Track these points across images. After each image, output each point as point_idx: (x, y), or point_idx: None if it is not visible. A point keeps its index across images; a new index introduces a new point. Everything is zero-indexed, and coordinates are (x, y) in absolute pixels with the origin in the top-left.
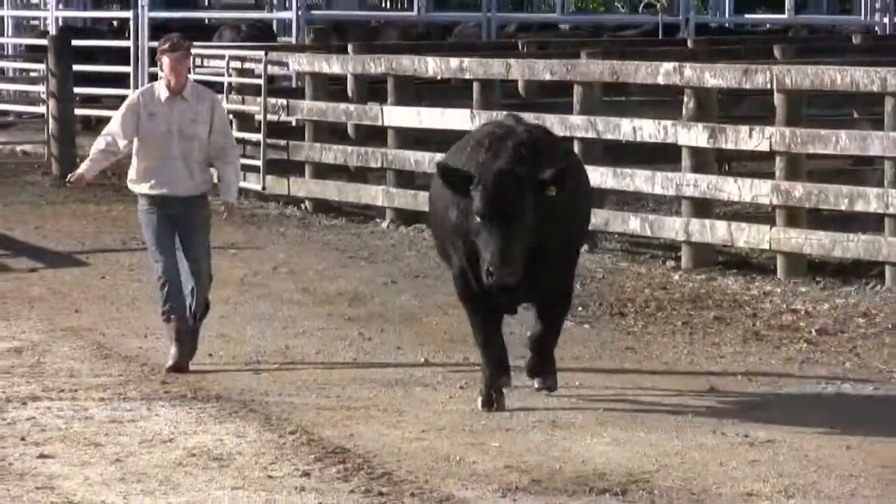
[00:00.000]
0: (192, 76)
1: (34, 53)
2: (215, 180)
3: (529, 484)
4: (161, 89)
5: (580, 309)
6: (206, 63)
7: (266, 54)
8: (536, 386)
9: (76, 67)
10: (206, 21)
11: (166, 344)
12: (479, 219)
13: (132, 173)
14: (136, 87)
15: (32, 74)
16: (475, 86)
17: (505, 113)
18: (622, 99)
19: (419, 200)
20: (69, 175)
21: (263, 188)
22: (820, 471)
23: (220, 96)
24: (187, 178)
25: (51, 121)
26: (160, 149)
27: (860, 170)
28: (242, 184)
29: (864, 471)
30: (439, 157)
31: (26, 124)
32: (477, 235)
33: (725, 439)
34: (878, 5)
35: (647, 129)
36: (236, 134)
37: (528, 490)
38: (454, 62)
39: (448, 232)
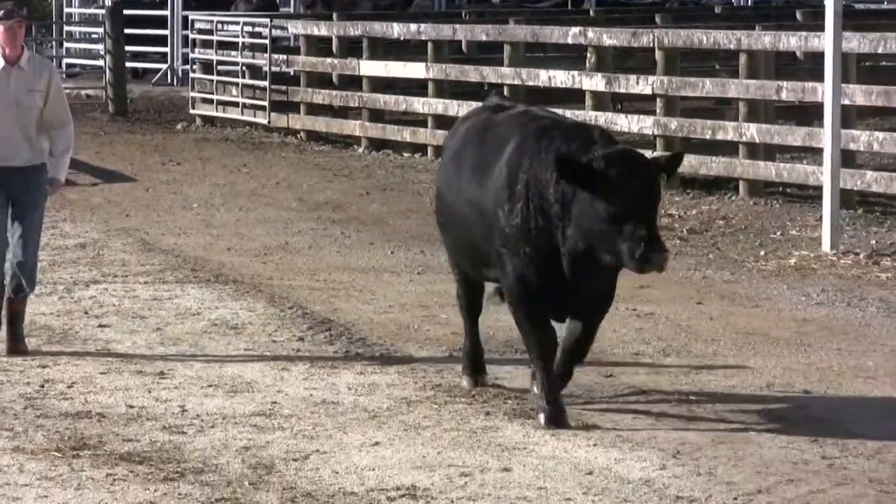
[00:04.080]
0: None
1: (95, 20)
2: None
3: None
4: None
5: None
6: (225, 27)
7: (271, 21)
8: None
9: (127, 31)
10: None
11: (194, 243)
12: (613, 207)
13: None
14: (172, 47)
15: (94, 36)
16: (429, 45)
17: (484, 105)
18: (540, 55)
19: (387, 132)
20: None
21: (269, 122)
22: (690, 336)
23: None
24: (26, 149)
25: (107, 71)
26: None
27: (720, 108)
28: (252, 118)
29: (724, 336)
30: (402, 98)
31: (89, 74)
32: (607, 225)
33: (618, 312)
34: None
35: (560, 78)
36: (248, 82)
37: None
38: (413, 27)
39: (504, 235)
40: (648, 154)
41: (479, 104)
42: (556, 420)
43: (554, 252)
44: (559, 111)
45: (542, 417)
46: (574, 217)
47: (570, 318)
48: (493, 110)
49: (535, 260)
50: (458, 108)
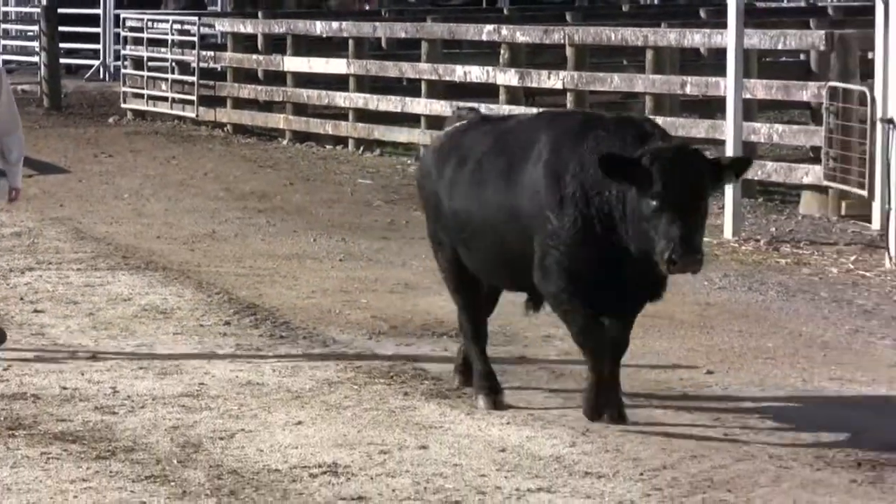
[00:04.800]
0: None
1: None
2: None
3: (389, 329)
4: None
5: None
6: (155, 25)
7: (199, 19)
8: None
9: (61, 28)
10: None
11: (126, 232)
12: (655, 203)
13: None
14: (104, 44)
15: (29, 33)
16: (350, 42)
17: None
18: (457, 51)
19: (310, 125)
20: None
21: (197, 116)
22: None
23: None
24: None
25: (42, 68)
26: None
27: (628, 102)
28: (181, 112)
29: None
30: (325, 93)
31: (24, 70)
32: (647, 222)
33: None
34: None
35: (475, 73)
36: (177, 77)
37: (388, 334)
38: (335, 24)
39: (558, 237)
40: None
41: (456, 121)
42: (620, 416)
43: (616, 252)
44: (475, 105)
45: (606, 417)
46: (629, 216)
47: (616, 313)
48: (487, 121)
49: (595, 261)
50: (378, 103)
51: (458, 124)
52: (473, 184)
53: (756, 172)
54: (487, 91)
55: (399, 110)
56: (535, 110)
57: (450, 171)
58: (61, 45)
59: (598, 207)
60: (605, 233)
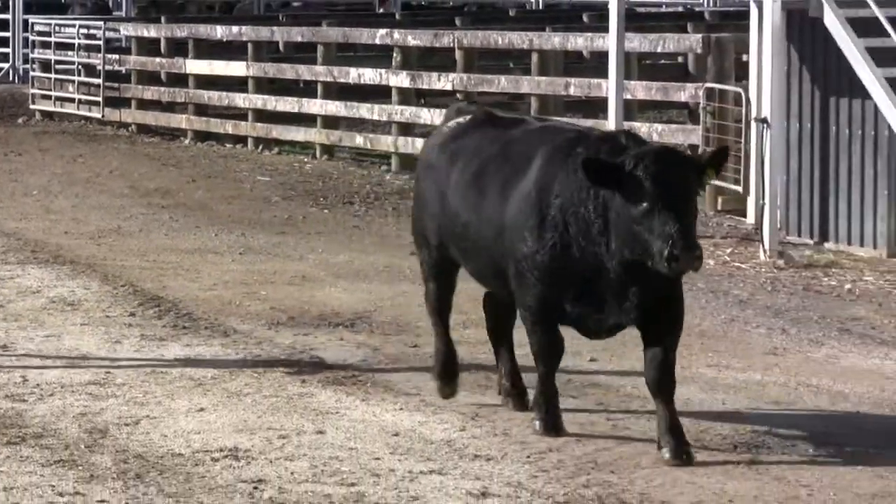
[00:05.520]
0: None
1: None
2: None
3: (287, 320)
4: None
5: (322, 199)
6: (62, 29)
7: (105, 23)
8: (667, 457)
9: None
10: (62, 0)
11: (35, 227)
12: (646, 204)
13: None
14: (13, 47)
15: None
16: (249, 45)
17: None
18: (351, 54)
19: (211, 125)
20: None
21: (103, 116)
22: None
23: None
24: None
25: None
26: None
27: (514, 103)
28: (88, 113)
29: None
30: (225, 94)
31: None
32: (638, 225)
33: (421, 288)
34: None
35: (368, 75)
36: (84, 80)
37: (286, 324)
38: (235, 28)
39: (534, 261)
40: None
41: (455, 115)
42: (554, 427)
43: (596, 270)
44: (369, 105)
45: (537, 424)
46: (614, 225)
47: (645, 343)
48: (493, 122)
49: (573, 282)
50: (276, 104)
51: (460, 119)
52: (469, 189)
53: None
54: (380, 92)
55: (296, 111)
56: (426, 111)
57: (456, 173)
58: None
59: (576, 228)
60: (582, 253)
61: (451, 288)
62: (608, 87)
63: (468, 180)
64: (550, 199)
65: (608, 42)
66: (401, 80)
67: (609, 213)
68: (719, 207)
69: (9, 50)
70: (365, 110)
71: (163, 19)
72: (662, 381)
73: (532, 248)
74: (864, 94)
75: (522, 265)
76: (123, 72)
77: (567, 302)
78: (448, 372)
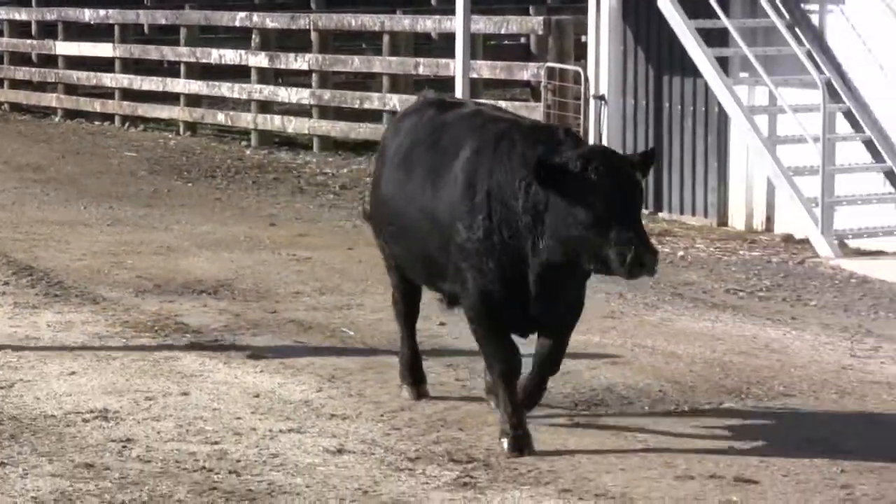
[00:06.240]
0: None
1: None
2: None
3: (153, 287)
4: None
5: (186, 173)
6: None
7: None
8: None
9: None
10: None
11: None
12: (595, 211)
13: None
14: None
15: None
16: (116, 28)
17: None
18: (213, 36)
19: (80, 103)
20: None
21: None
22: (342, 277)
23: None
24: None
25: None
26: None
27: (367, 82)
28: None
29: (371, 276)
30: (93, 74)
31: None
32: (590, 230)
33: (280, 257)
34: None
35: (229, 56)
36: None
37: (152, 292)
38: (102, 12)
39: (465, 251)
40: (306, 125)
41: (418, 99)
42: (521, 446)
43: (521, 266)
44: (229, 84)
45: (505, 443)
46: (550, 226)
47: (540, 332)
48: (437, 107)
49: (500, 275)
50: (141, 83)
51: (412, 105)
52: (400, 176)
53: None
54: (241, 72)
55: (161, 90)
56: (283, 89)
57: (385, 154)
58: None
59: (504, 219)
60: (508, 247)
61: (415, 289)
62: (455, 66)
63: (400, 169)
64: (478, 185)
65: (455, 24)
66: (259, 60)
67: (543, 211)
68: None
69: None
70: (226, 89)
71: (33, 3)
72: (549, 365)
73: (465, 237)
74: (696, 73)
75: (459, 257)
76: None
77: (504, 299)
78: (417, 377)
